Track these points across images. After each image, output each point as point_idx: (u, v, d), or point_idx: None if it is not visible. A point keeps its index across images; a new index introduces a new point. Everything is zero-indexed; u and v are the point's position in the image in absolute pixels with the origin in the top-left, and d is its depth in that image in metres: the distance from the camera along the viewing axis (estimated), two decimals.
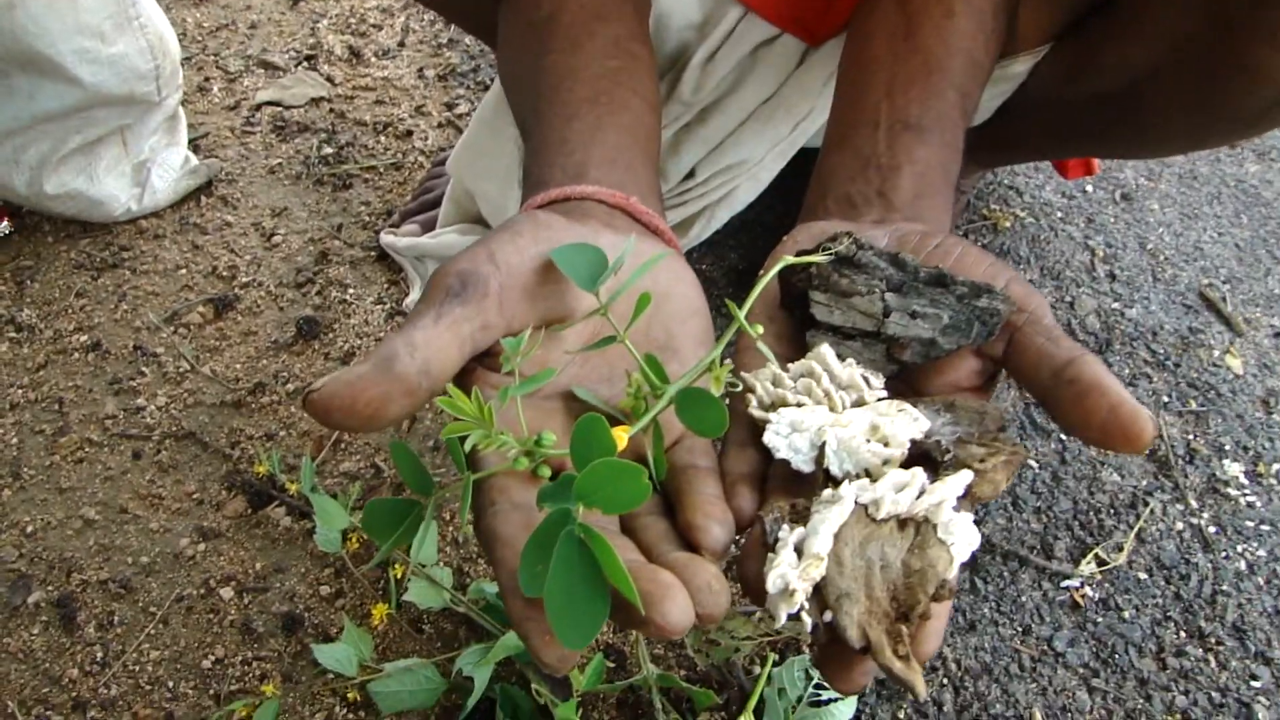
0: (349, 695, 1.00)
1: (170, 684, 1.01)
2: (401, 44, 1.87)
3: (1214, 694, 1.02)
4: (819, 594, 0.51)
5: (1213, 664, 1.04)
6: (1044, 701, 1.01)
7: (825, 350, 0.62)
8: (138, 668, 1.02)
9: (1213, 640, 1.06)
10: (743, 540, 0.58)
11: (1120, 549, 1.13)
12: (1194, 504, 1.18)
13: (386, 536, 0.59)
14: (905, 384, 0.66)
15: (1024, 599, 1.08)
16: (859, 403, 0.61)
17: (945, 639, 1.05)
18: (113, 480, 1.18)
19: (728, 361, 0.60)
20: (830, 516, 0.51)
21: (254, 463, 1.20)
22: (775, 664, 0.96)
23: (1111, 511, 1.17)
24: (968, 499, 0.55)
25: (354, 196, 1.55)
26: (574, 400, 0.63)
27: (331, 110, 1.71)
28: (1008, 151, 1.30)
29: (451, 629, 1.05)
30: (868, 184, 0.76)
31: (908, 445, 0.56)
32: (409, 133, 1.67)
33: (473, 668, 0.96)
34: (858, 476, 0.56)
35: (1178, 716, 1.00)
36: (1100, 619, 1.07)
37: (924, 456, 0.57)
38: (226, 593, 1.09)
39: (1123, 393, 0.56)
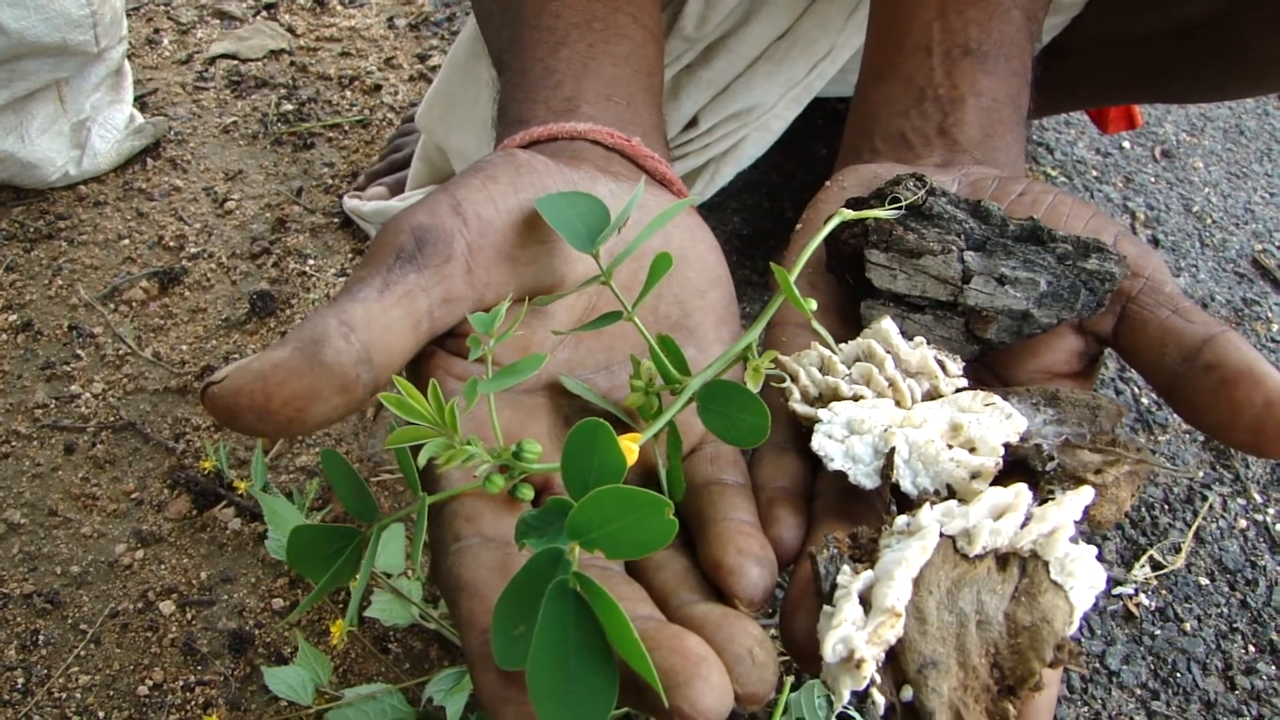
0: None
1: (101, 713, 0.89)
2: None
3: None
4: (894, 662, 0.37)
5: None
6: None
7: (888, 326, 0.48)
8: (64, 695, 0.90)
9: None
10: (786, 579, 0.44)
11: (1178, 551, 1.00)
12: (1258, 498, 1.05)
13: (317, 572, 0.46)
14: (987, 369, 0.52)
15: None
16: (932, 394, 0.47)
17: None
18: (41, 478, 1.05)
19: (767, 349, 0.46)
20: (909, 555, 0.37)
21: (200, 457, 1.07)
22: (793, 688, 0.83)
23: (1166, 507, 1.04)
24: (1083, 524, 0.42)
25: (316, 157, 1.41)
26: (563, 395, 0.49)
27: (292, 63, 1.57)
28: (1056, 98, 1.15)
29: (421, 648, 0.93)
30: (925, 119, 0.62)
31: (1002, 452, 0.42)
32: (377, 87, 1.52)
33: (444, 695, 0.83)
34: (937, 495, 0.42)
35: None
36: (1158, 632, 0.94)
37: (1019, 466, 0.44)
38: (167, 607, 0.96)
39: None
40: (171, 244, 1.30)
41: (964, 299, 0.48)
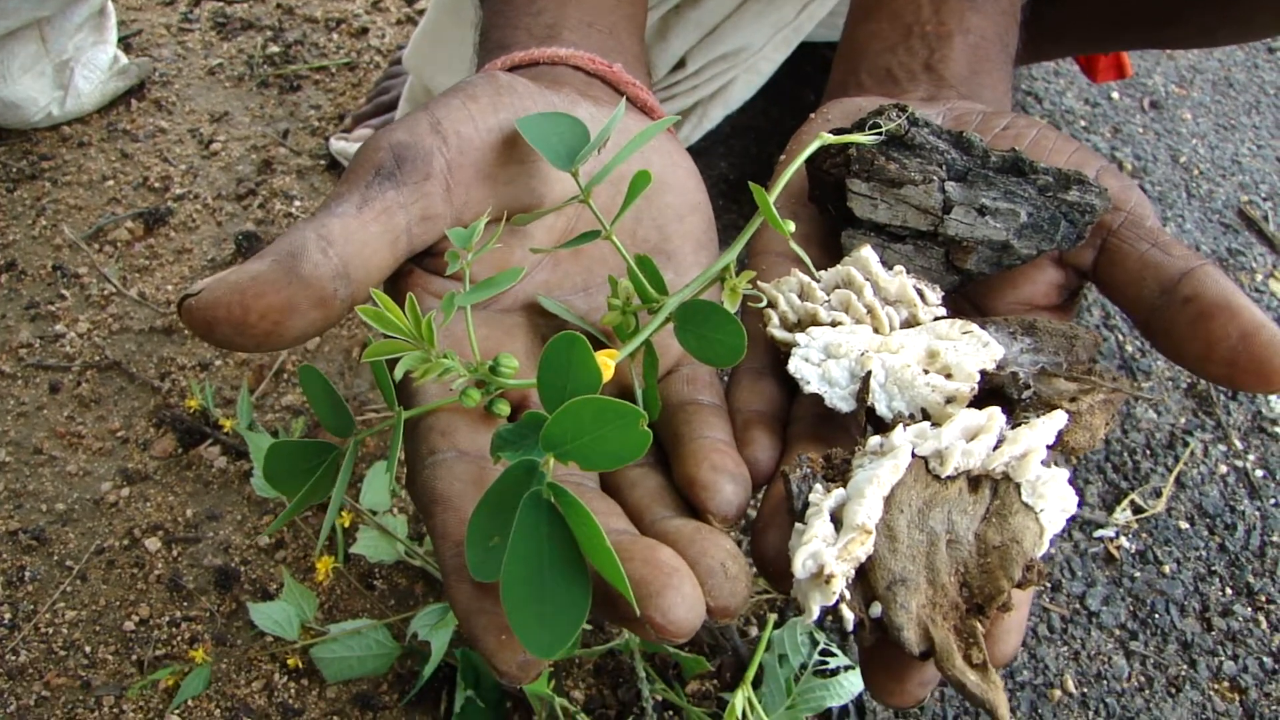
0: (289, 661, 0.88)
1: (87, 649, 0.89)
2: None
3: (1265, 659, 0.90)
4: (864, 579, 0.38)
5: (1264, 625, 0.93)
6: (1076, 667, 0.89)
7: (868, 254, 0.48)
8: (51, 630, 0.90)
9: (1263, 598, 0.95)
10: (758, 502, 0.45)
11: (1158, 495, 1.01)
12: (1238, 444, 1.06)
13: (294, 489, 0.46)
14: (966, 300, 0.53)
15: (1053, 551, 0.96)
16: (910, 322, 0.47)
17: None
18: (26, 417, 1.05)
19: (746, 269, 0.46)
20: (880, 474, 0.37)
21: (185, 396, 1.07)
22: (775, 626, 0.84)
23: (1148, 453, 1.04)
24: (1058, 450, 0.42)
25: (302, 99, 1.40)
26: (541, 315, 0.49)
27: (279, 5, 1.55)
28: (1044, 44, 1.15)
29: (406, 585, 0.93)
30: (911, 55, 0.62)
31: (978, 378, 0.43)
32: (364, 30, 1.51)
33: (429, 630, 0.83)
34: (912, 419, 0.42)
35: (1225, 684, 0.89)
36: (1138, 574, 0.95)
37: (996, 394, 0.44)
38: (153, 544, 0.96)
39: (1258, 314, 0.43)
40: (157, 185, 1.29)
41: (944, 229, 0.48)
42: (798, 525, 0.39)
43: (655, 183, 0.52)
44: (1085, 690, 0.88)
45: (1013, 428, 0.42)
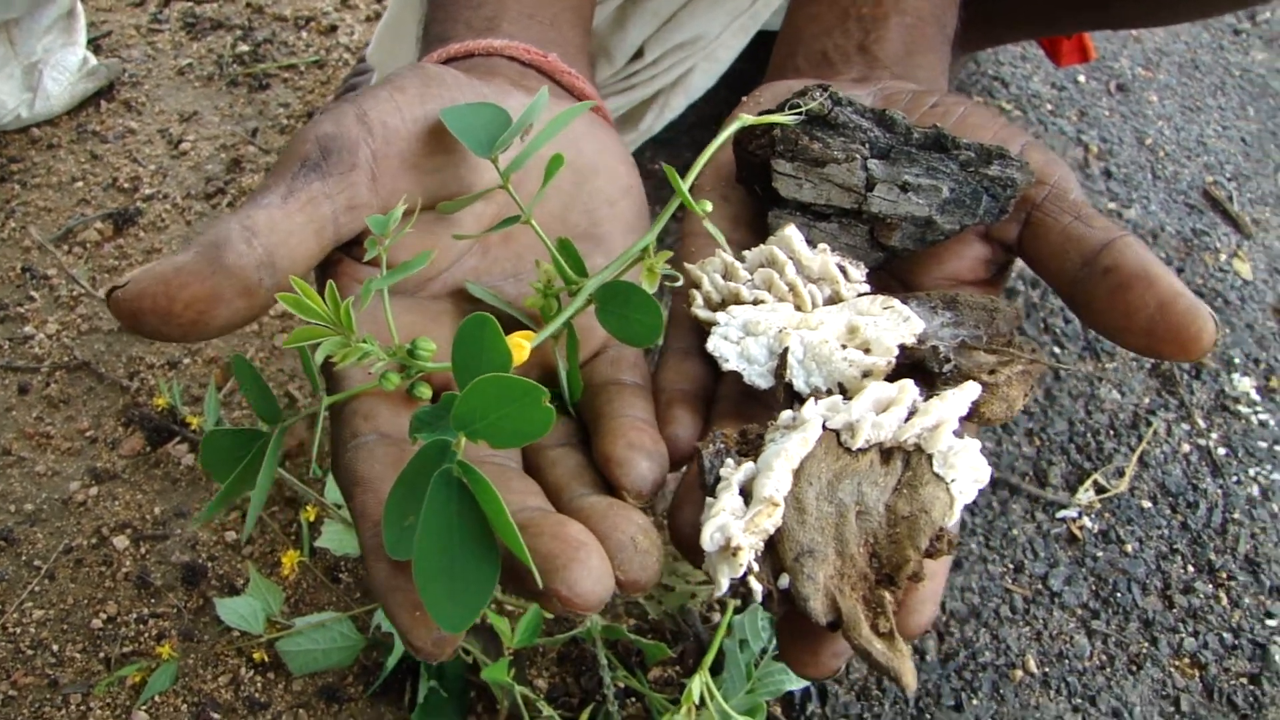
0: (255, 655, 0.88)
1: (55, 647, 0.89)
2: None
3: (1225, 635, 0.91)
4: (773, 551, 0.38)
5: (1224, 601, 0.93)
6: (1038, 647, 0.89)
7: (791, 233, 0.48)
8: (19, 629, 0.90)
9: (1224, 575, 0.95)
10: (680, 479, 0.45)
11: (1121, 474, 1.01)
12: (1201, 423, 1.07)
13: (226, 475, 0.46)
14: (894, 276, 0.53)
15: (1015, 532, 0.96)
16: (834, 299, 0.48)
17: None
18: None
19: (682, 259, 0.47)
20: (788, 447, 0.38)
21: (154, 395, 1.07)
22: (736, 612, 0.84)
23: (1111, 433, 1.05)
24: (974, 421, 0.42)
25: (271, 98, 1.40)
26: (468, 301, 0.49)
27: (248, 4, 1.55)
28: (999, 27, 1.15)
29: None
30: (847, 37, 0.62)
31: (896, 352, 0.43)
32: (333, 27, 1.51)
33: None
34: (829, 393, 0.43)
35: (1186, 660, 0.89)
36: (1100, 553, 0.96)
37: (917, 367, 0.44)
38: (121, 542, 0.96)
39: (1176, 283, 0.43)
40: (126, 186, 1.29)
41: (868, 206, 0.49)
42: (709, 499, 0.39)
43: (586, 168, 0.53)
44: (1047, 670, 0.88)
45: (927, 400, 0.42)
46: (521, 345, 0.42)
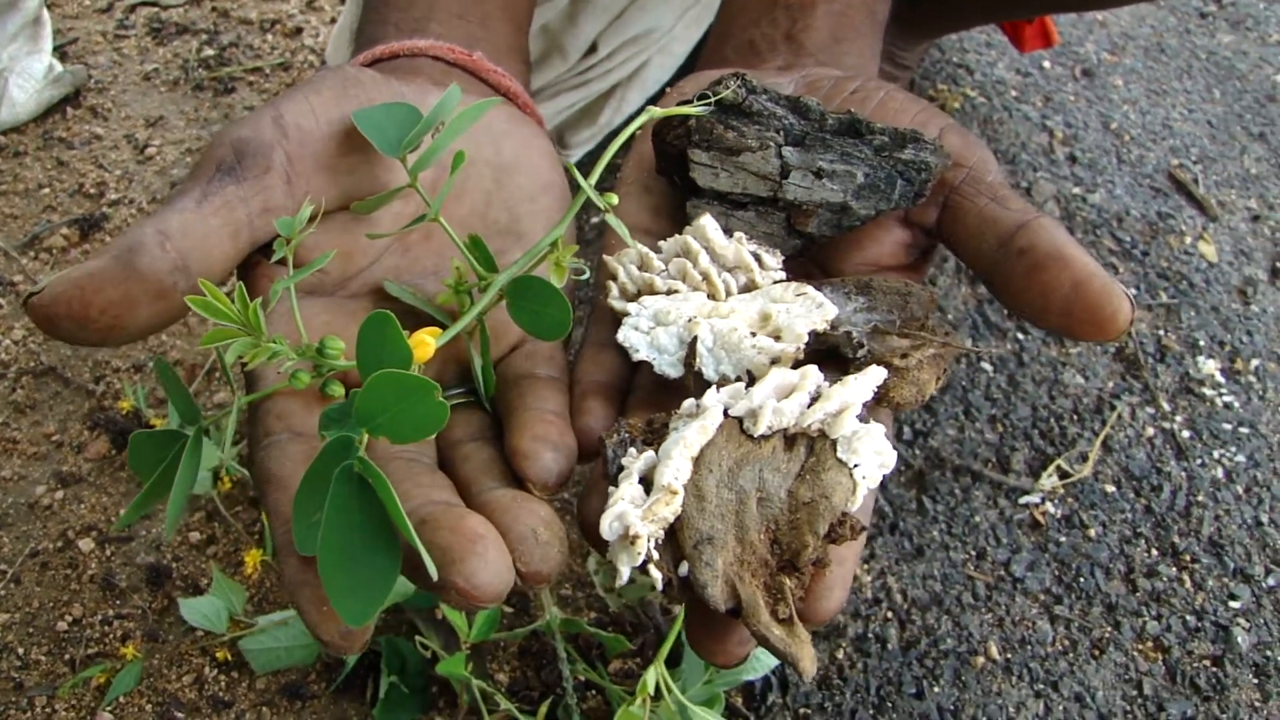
0: (219, 654, 0.89)
1: (20, 650, 0.89)
2: None
3: (1189, 617, 0.91)
4: (673, 539, 0.38)
5: (1188, 584, 0.94)
6: (1000, 634, 0.89)
7: (706, 222, 0.48)
8: None
9: (1187, 558, 0.95)
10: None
11: (1085, 459, 1.01)
12: (1166, 406, 1.07)
13: (150, 476, 0.47)
14: (814, 263, 0.53)
15: (978, 519, 0.97)
16: (749, 288, 0.48)
17: (890, 566, 0.93)
18: None
19: (604, 252, 0.47)
20: (687, 435, 0.38)
21: (119, 398, 1.07)
22: None
23: (1075, 417, 1.05)
24: (885, 406, 0.43)
25: (237, 101, 1.40)
26: (387, 300, 0.49)
27: (214, 9, 1.55)
28: (955, 14, 1.15)
29: None
30: (774, 26, 0.62)
31: (805, 339, 0.43)
32: (298, 29, 1.51)
33: None
34: (738, 381, 0.43)
35: (1149, 644, 0.89)
36: (1063, 539, 0.96)
37: (832, 353, 0.44)
38: (86, 544, 0.96)
39: (1089, 263, 0.44)
40: (92, 191, 1.29)
41: (783, 194, 0.49)
42: (610, 489, 0.39)
43: (506, 165, 0.53)
44: (1009, 656, 0.88)
45: (840, 378, 0.42)
46: (426, 342, 0.43)
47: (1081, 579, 0.93)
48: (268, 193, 0.46)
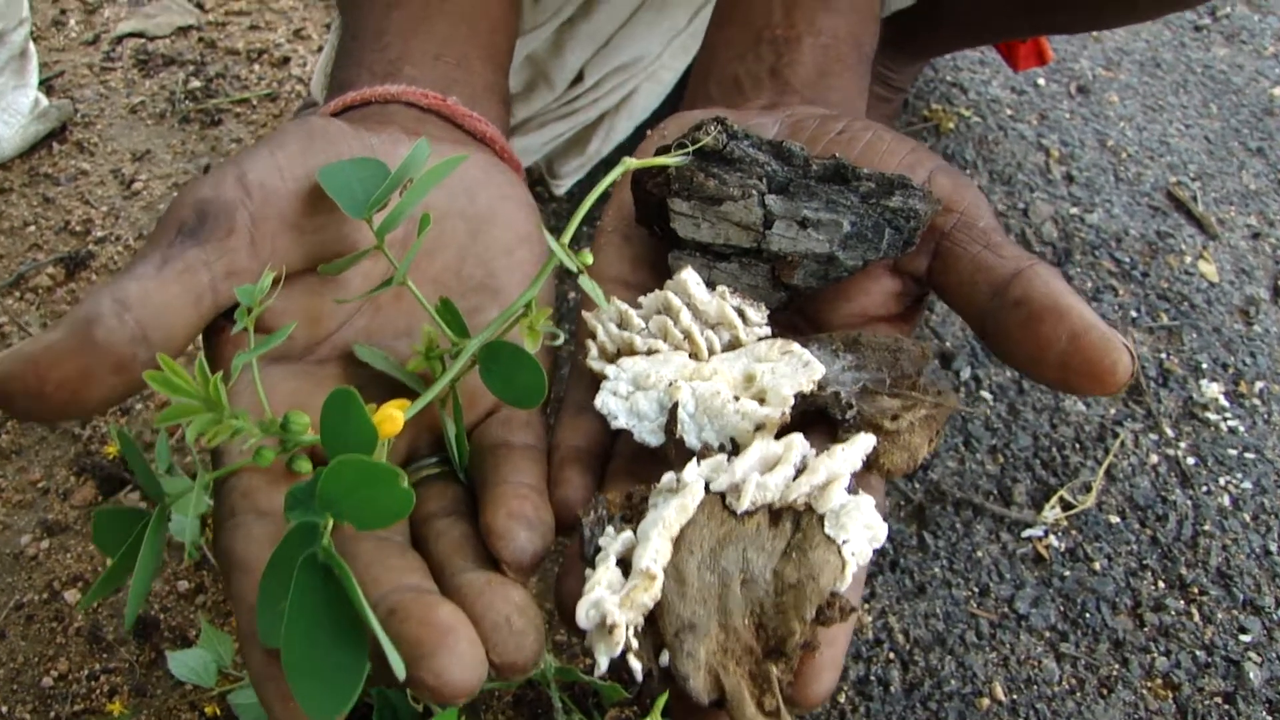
0: (207, 709, 0.86)
1: (4, 708, 0.87)
2: None
3: (1198, 653, 0.89)
4: (654, 626, 0.36)
5: (1196, 617, 0.91)
6: (1005, 673, 0.87)
7: (687, 276, 0.46)
8: None
9: (1195, 590, 0.93)
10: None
11: (1088, 489, 0.99)
12: (1169, 432, 1.05)
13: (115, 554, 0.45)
14: (801, 315, 0.51)
15: (980, 554, 0.94)
16: (733, 344, 0.46)
17: (891, 606, 0.91)
18: None
19: (582, 308, 0.45)
20: (666, 515, 0.36)
21: (106, 443, 1.05)
22: None
23: (1077, 446, 1.03)
24: (875, 473, 0.41)
25: (224, 133, 1.39)
26: (358, 364, 0.47)
27: (201, 39, 1.54)
28: (946, 36, 1.13)
29: None
30: (759, 61, 0.61)
31: (791, 402, 0.41)
32: (286, 59, 1.49)
33: None
34: (721, 449, 0.41)
35: (1159, 681, 0.87)
36: (1067, 573, 0.94)
37: (820, 415, 0.43)
38: (73, 596, 0.94)
39: (1088, 314, 0.42)
40: (78, 228, 1.28)
41: (767, 245, 0.47)
42: (587, 571, 0.37)
43: (481, 217, 0.51)
44: (1015, 696, 0.86)
45: (828, 448, 0.40)
46: (394, 417, 0.41)
47: (1087, 614, 0.91)
48: (231, 255, 0.44)
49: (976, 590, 0.92)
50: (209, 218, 0.44)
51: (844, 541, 0.37)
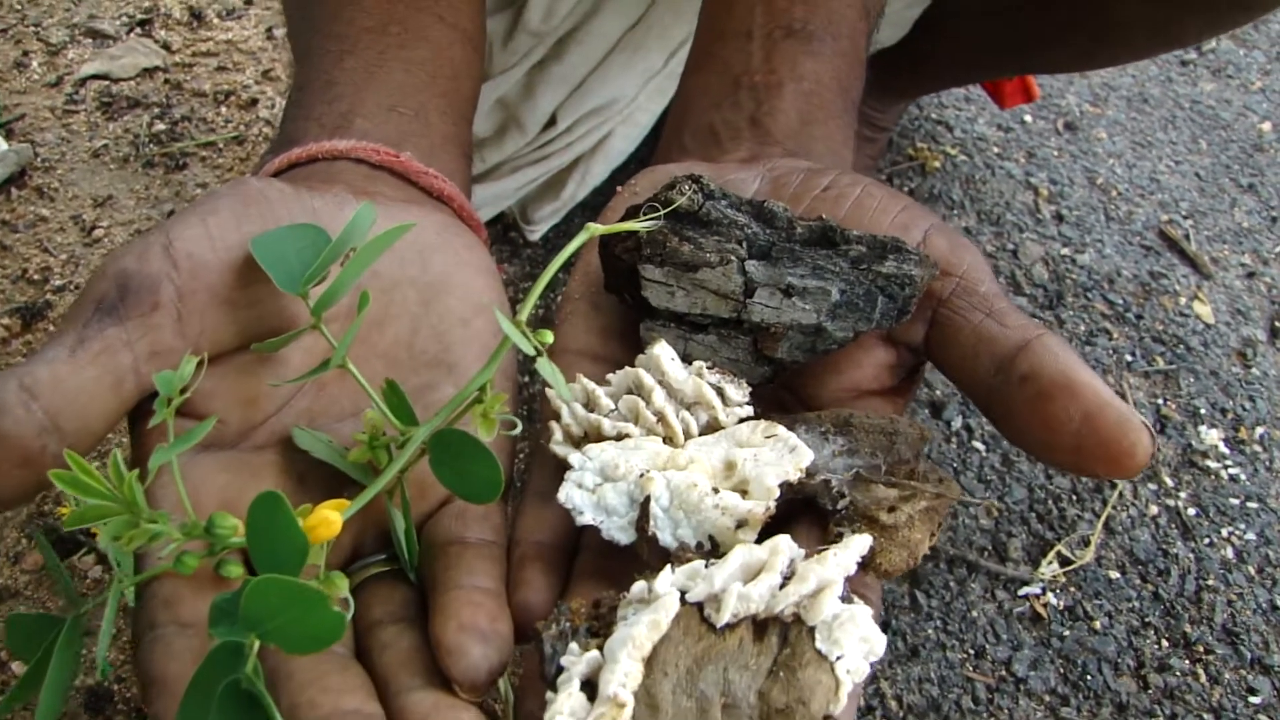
0: None
1: None
2: (248, 1, 1.64)
3: (1206, 716, 0.85)
4: None
5: (1203, 678, 0.87)
6: None
7: (661, 351, 0.42)
8: None
9: (1200, 649, 0.89)
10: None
11: (1086, 543, 0.95)
12: (1169, 481, 1.01)
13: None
14: (788, 391, 0.47)
15: (975, 614, 0.90)
16: (712, 426, 0.42)
17: (883, 670, 0.86)
18: None
19: (502, 391, 0.41)
20: (636, 633, 0.32)
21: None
22: None
23: (1074, 498, 0.99)
24: (871, 573, 0.36)
25: (189, 178, 1.34)
26: (298, 451, 0.43)
27: (167, 81, 1.49)
28: (931, 75, 1.10)
29: None
30: (737, 110, 0.57)
31: (777, 494, 0.37)
32: (253, 101, 1.45)
33: None
34: (699, 548, 0.37)
35: None
36: (1067, 632, 0.89)
37: (809, 504, 0.38)
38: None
39: (1102, 390, 0.38)
40: (36, 277, 1.23)
41: (748, 315, 0.43)
42: (549, 695, 0.33)
43: (435, 285, 0.47)
44: None
45: (818, 550, 0.36)
46: (331, 520, 0.36)
47: (1089, 676, 0.87)
48: (155, 333, 0.40)
49: (972, 652, 0.88)
50: (131, 292, 0.40)
51: (838, 658, 0.33)
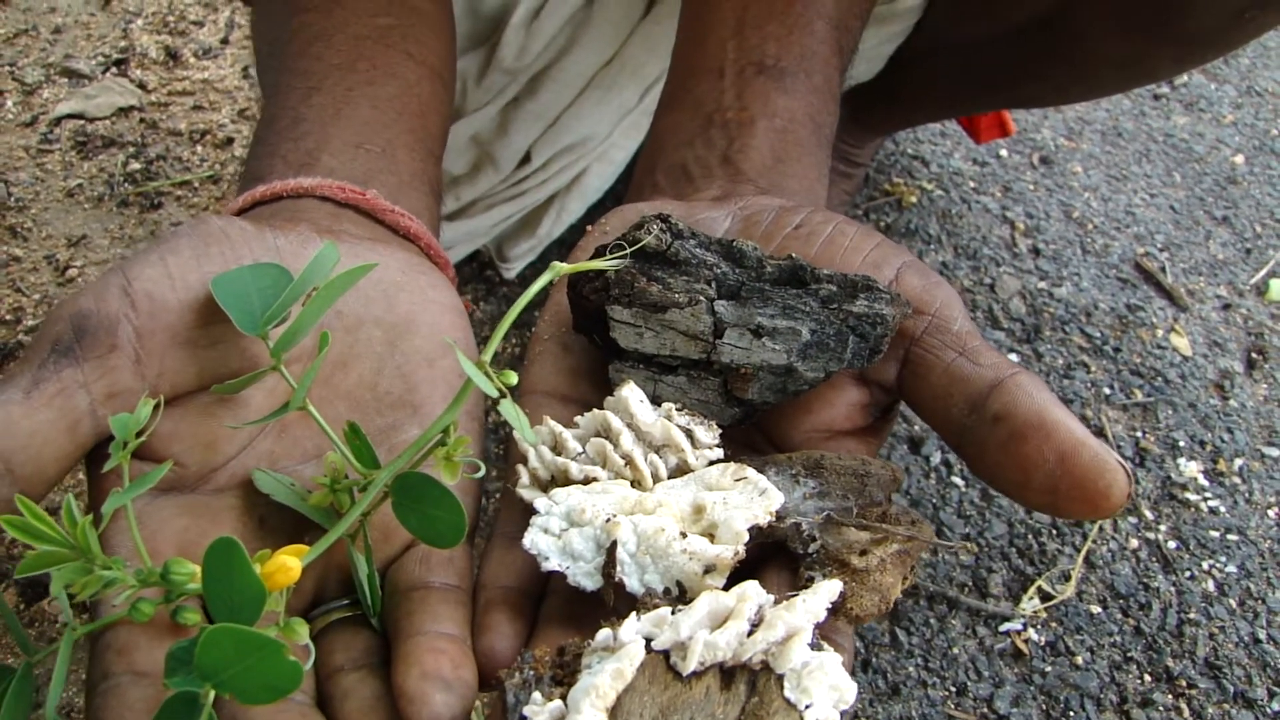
0: None
1: None
2: (225, 41, 1.64)
3: None
4: None
5: (1186, 713, 0.86)
6: None
7: (629, 394, 0.42)
8: None
9: (1183, 683, 0.88)
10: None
11: (1067, 578, 0.95)
12: (1149, 515, 1.00)
13: None
14: (758, 431, 0.46)
15: (956, 650, 0.89)
16: (680, 470, 0.41)
17: (863, 708, 0.85)
18: None
19: (465, 433, 0.40)
20: (599, 682, 0.31)
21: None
22: None
23: (1054, 533, 0.98)
24: (842, 619, 0.36)
25: (164, 217, 1.34)
26: (259, 493, 0.42)
27: (142, 120, 1.49)
28: (907, 110, 1.11)
29: None
30: (709, 147, 0.57)
31: (746, 538, 0.36)
32: (229, 140, 1.45)
33: None
34: (666, 594, 0.36)
35: None
36: (1048, 668, 0.89)
37: (779, 548, 0.38)
38: None
39: (1077, 430, 0.37)
40: (8, 318, 1.22)
41: (718, 356, 0.42)
42: None
43: (400, 324, 0.46)
44: None
45: (788, 596, 0.35)
46: (289, 567, 0.35)
47: (1071, 712, 0.86)
48: (112, 375, 0.39)
49: (954, 689, 0.87)
50: (87, 333, 0.39)
51: (806, 707, 0.32)
